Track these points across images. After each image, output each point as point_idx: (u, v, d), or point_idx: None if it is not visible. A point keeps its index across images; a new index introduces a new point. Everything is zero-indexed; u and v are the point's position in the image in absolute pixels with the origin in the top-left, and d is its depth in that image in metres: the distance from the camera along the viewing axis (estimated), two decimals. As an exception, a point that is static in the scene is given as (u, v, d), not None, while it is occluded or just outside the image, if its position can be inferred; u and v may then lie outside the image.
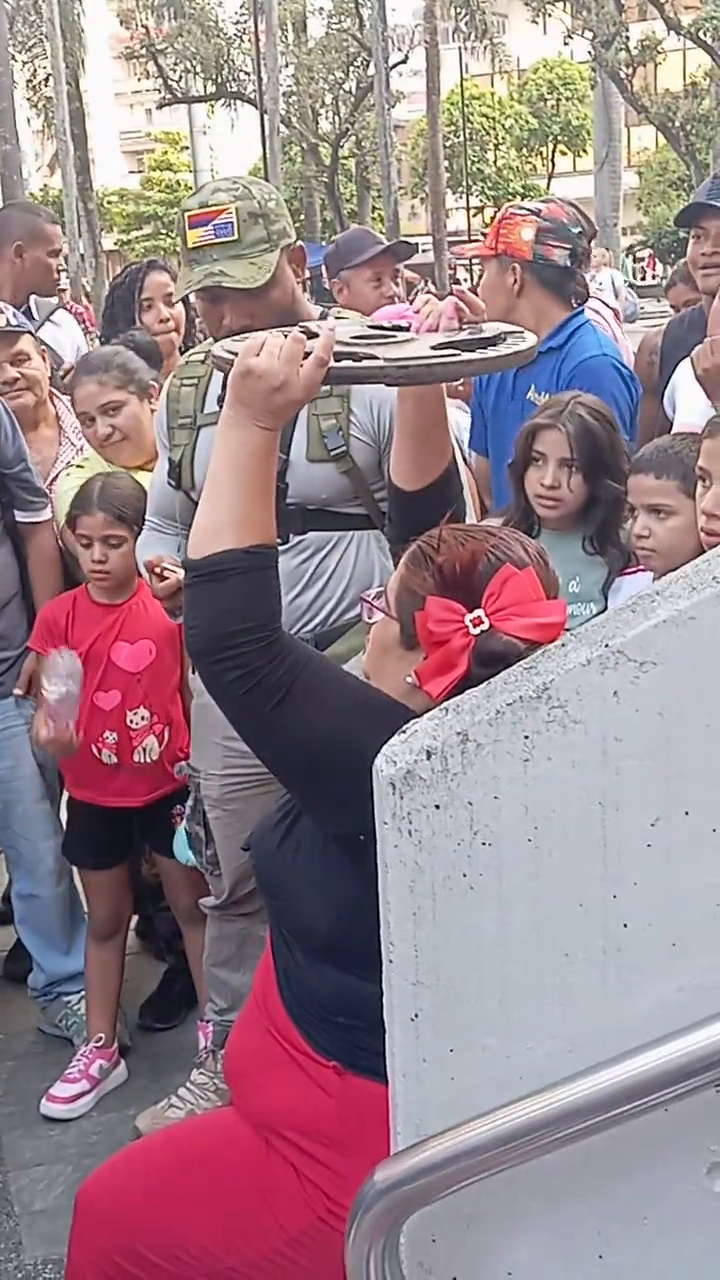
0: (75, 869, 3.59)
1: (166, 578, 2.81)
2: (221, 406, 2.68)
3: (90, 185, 33.84)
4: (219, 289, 2.61)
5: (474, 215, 40.60)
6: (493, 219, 3.82)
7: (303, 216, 38.27)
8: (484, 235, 3.88)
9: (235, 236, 2.58)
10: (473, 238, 31.75)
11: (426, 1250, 1.55)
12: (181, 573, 2.72)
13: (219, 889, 3.07)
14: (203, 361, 2.82)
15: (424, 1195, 1.48)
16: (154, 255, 4.81)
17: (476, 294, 3.08)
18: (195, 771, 3.02)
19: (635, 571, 2.91)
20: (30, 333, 3.80)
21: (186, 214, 2.64)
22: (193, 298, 2.88)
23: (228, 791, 2.94)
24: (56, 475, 3.77)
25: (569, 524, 2.99)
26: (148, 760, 3.28)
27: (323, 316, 2.73)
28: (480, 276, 3.77)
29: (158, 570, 2.83)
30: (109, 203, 46.17)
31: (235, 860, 2.96)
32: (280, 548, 2.52)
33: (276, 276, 2.61)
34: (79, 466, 3.60)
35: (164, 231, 46.00)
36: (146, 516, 3.10)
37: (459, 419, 3.69)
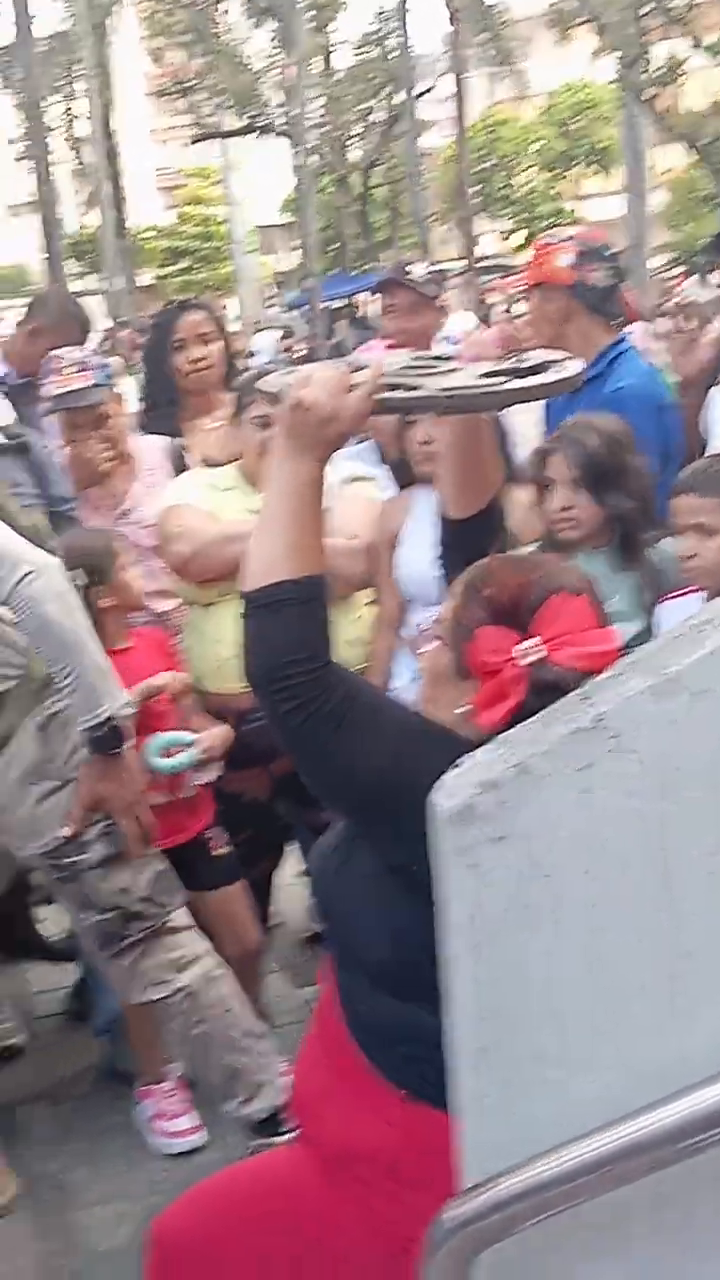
0: None
1: None
2: None
3: (124, 222, 34.12)
4: None
5: (504, 239, 40.65)
6: (525, 243, 3.88)
7: (336, 245, 38.48)
8: (512, 262, 3.94)
9: None
10: (500, 262, 31.80)
11: (500, 1286, 1.54)
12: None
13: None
14: None
15: (494, 1233, 1.47)
16: (188, 291, 4.82)
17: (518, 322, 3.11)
18: None
19: (683, 594, 2.90)
20: (108, 385, 3.84)
21: None
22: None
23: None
24: (129, 508, 3.82)
25: (592, 544, 3.01)
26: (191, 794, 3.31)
27: None
28: (517, 303, 3.80)
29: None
30: (144, 238, 46.56)
31: None
32: None
33: None
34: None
35: (197, 266, 46.32)
36: None
37: None
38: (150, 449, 3.98)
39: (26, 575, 2.73)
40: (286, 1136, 3.07)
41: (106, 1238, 3.02)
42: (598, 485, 2.95)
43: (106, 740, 2.83)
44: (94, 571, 3.16)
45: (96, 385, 3.72)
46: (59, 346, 4.16)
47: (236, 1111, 3.10)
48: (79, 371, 3.73)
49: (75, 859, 2.92)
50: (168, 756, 3.21)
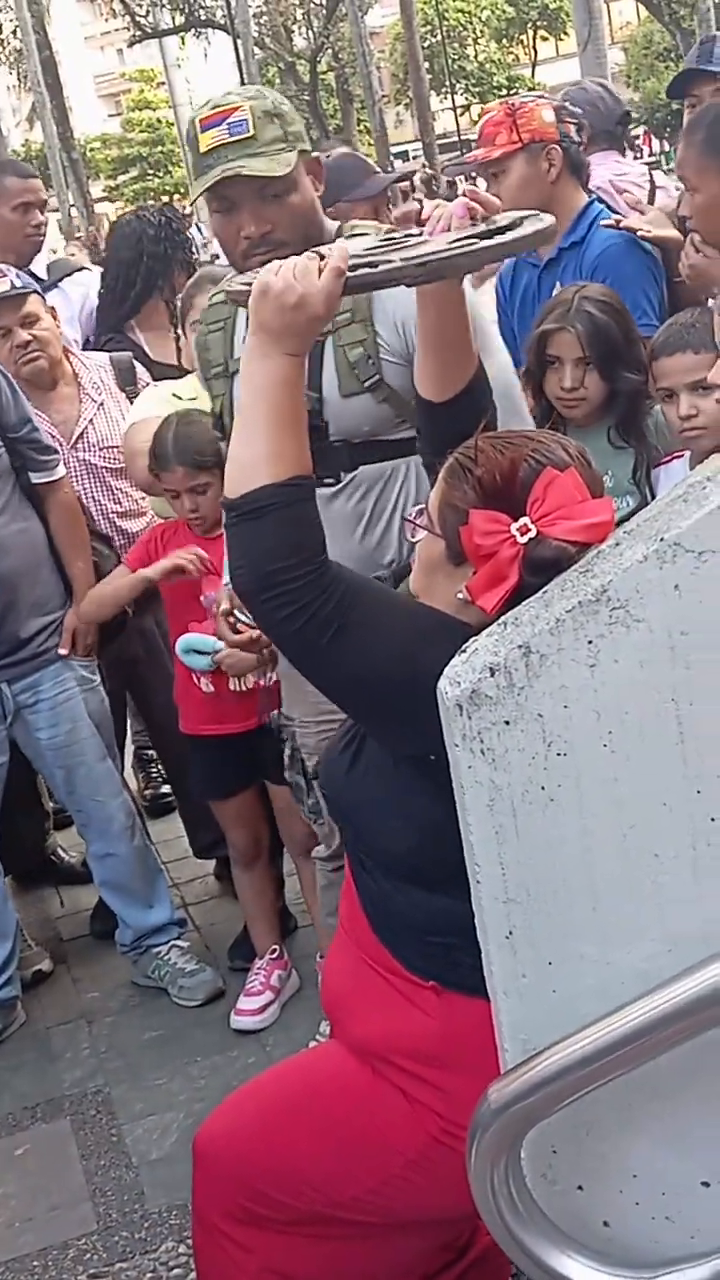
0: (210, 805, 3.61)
1: (241, 631, 2.80)
2: None
3: (71, 134, 33.32)
4: (236, 186, 2.44)
5: (460, 114, 39.77)
6: (479, 118, 3.66)
7: (288, 138, 37.49)
8: (471, 137, 3.72)
9: (251, 133, 2.42)
10: (463, 138, 31.06)
11: (548, 1162, 1.56)
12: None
13: (329, 840, 3.00)
14: (224, 303, 2.69)
15: (539, 1110, 1.47)
16: (143, 199, 4.71)
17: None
18: (290, 720, 2.97)
19: (671, 459, 2.86)
20: (38, 292, 3.75)
21: (198, 120, 2.47)
22: (206, 213, 2.64)
23: (324, 737, 2.82)
24: (81, 432, 3.79)
25: (593, 420, 2.95)
26: (243, 688, 3.29)
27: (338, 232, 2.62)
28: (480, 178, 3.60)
29: (231, 621, 2.80)
30: (92, 149, 45.57)
31: None
32: (333, 489, 2.47)
33: (295, 179, 2.46)
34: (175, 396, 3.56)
35: (150, 172, 45.44)
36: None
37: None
38: (94, 366, 3.91)
39: None
40: None
41: (155, 1148, 3.05)
42: (605, 363, 2.87)
43: None
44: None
45: (15, 290, 3.62)
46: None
47: None
48: None
49: None
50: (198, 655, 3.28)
